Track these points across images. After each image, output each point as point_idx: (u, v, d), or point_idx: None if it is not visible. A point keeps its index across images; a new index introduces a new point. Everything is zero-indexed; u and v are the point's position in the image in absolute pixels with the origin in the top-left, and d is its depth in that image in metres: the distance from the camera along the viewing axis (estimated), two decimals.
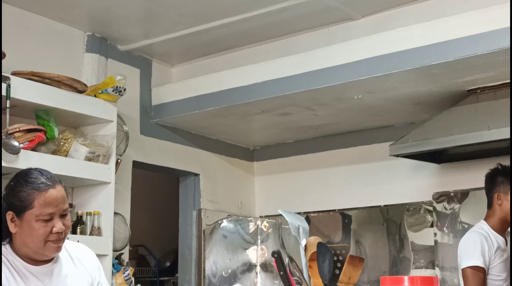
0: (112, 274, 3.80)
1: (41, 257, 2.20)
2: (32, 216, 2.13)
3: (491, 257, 3.32)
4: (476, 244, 3.33)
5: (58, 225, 2.15)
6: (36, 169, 2.23)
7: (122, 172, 4.20)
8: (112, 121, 3.89)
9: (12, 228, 2.16)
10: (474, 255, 3.30)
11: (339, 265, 2.68)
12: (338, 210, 4.98)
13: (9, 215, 2.16)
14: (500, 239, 3.40)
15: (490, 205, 3.46)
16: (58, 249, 2.21)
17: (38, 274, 2.20)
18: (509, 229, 3.50)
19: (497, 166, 3.47)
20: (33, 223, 2.13)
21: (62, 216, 2.19)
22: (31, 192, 2.14)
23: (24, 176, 2.20)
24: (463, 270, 3.35)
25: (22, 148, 3.32)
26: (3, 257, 2.16)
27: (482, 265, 3.28)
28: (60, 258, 2.29)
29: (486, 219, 3.46)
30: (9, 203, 2.17)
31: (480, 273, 3.27)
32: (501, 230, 3.42)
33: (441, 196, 4.51)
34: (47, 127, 3.56)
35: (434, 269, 4.44)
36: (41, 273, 2.21)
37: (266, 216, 4.90)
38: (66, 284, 2.26)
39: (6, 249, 2.19)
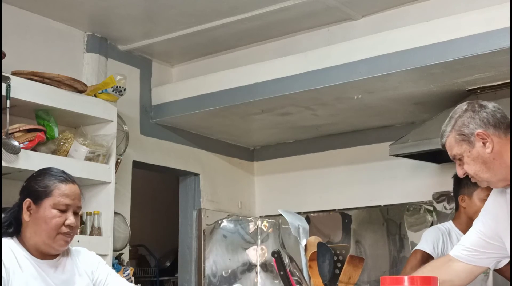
0: None
1: (49, 249, 2.28)
2: (49, 204, 2.26)
3: (444, 250, 3.36)
4: (432, 236, 3.41)
5: (71, 219, 2.28)
6: (57, 168, 2.41)
7: (122, 172, 4.20)
8: (112, 121, 3.89)
9: (26, 216, 2.27)
10: (426, 242, 3.38)
11: (339, 265, 2.67)
12: (338, 210, 4.98)
13: (26, 202, 2.28)
14: None
15: (457, 207, 3.50)
16: (66, 243, 2.31)
17: (43, 267, 2.28)
18: None
19: None
20: (48, 211, 2.26)
21: (75, 213, 2.32)
22: (53, 181, 2.30)
23: (47, 170, 2.37)
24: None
25: (22, 148, 3.32)
26: (8, 249, 2.23)
27: (427, 251, 3.33)
28: (66, 256, 2.38)
29: (453, 220, 3.51)
30: (28, 191, 2.31)
31: (418, 256, 3.33)
32: (467, 231, 3.44)
33: (441, 196, 4.51)
34: (47, 127, 3.56)
35: None
36: (46, 265, 2.29)
37: (266, 216, 4.89)
38: (68, 281, 2.33)
39: (14, 241, 2.27)
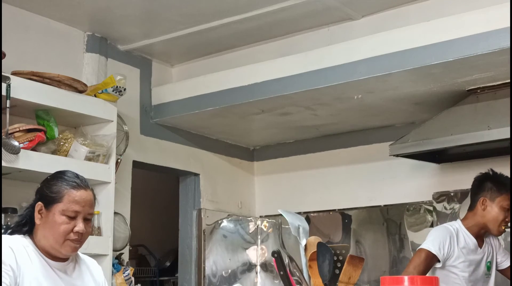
0: (112, 274, 3.80)
1: (57, 253, 2.29)
2: (58, 209, 2.25)
3: (450, 251, 3.32)
4: (440, 236, 3.34)
5: (80, 225, 2.27)
6: (73, 171, 2.38)
7: (122, 172, 4.20)
8: (112, 121, 3.89)
9: (37, 219, 2.28)
10: (432, 242, 3.32)
11: (339, 265, 2.68)
12: (338, 210, 4.98)
13: (38, 206, 2.28)
14: (471, 239, 3.38)
15: (472, 207, 3.44)
16: (75, 249, 2.31)
17: (54, 267, 2.29)
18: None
19: (488, 171, 3.47)
20: (57, 217, 2.25)
21: (86, 220, 2.30)
22: (64, 187, 2.28)
23: (61, 174, 2.35)
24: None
25: (22, 148, 3.32)
26: (21, 245, 2.24)
27: (432, 251, 3.28)
28: (75, 261, 2.38)
29: (463, 220, 3.46)
30: (41, 194, 2.31)
31: (423, 255, 3.28)
32: (475, 233, 3.40)
33: (441, 196, 4.51)
34: (47, 127, 3.56)
35: None
36: (56, 267, 2.29)
37: (266, 216, 4.89)
38: (76, 285, 2.34)
39: (26, 239, 2.29)
